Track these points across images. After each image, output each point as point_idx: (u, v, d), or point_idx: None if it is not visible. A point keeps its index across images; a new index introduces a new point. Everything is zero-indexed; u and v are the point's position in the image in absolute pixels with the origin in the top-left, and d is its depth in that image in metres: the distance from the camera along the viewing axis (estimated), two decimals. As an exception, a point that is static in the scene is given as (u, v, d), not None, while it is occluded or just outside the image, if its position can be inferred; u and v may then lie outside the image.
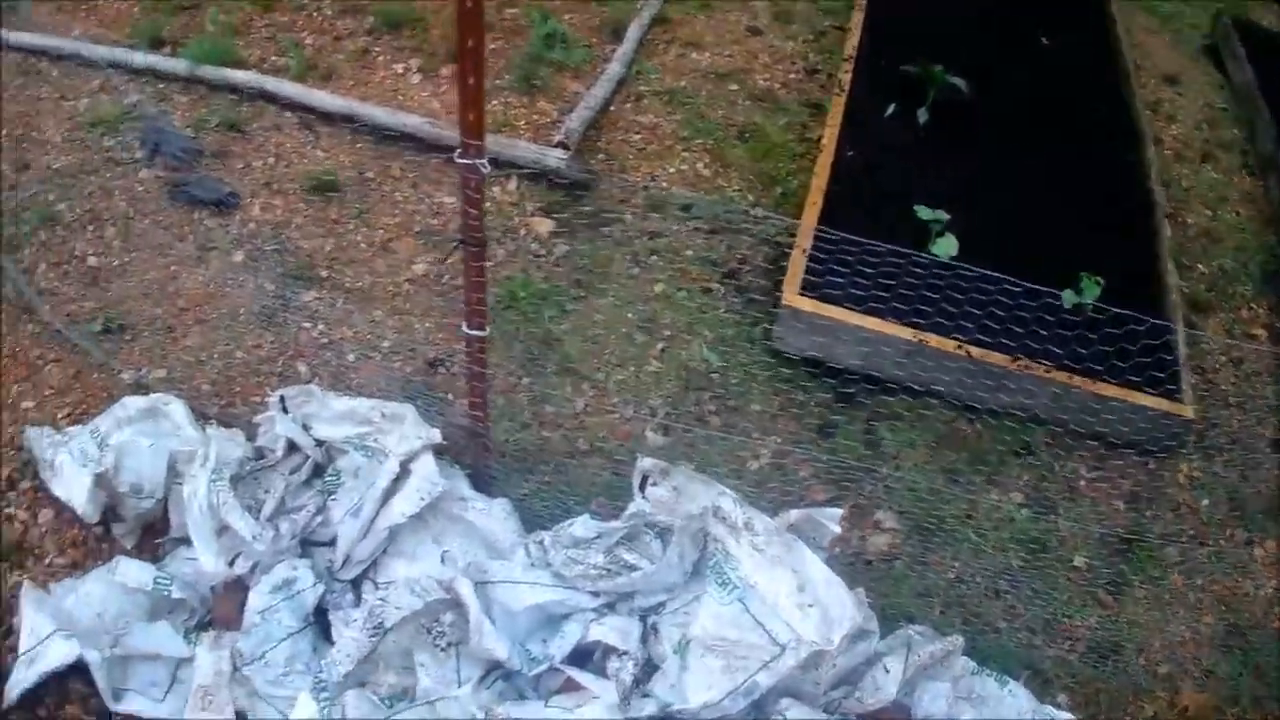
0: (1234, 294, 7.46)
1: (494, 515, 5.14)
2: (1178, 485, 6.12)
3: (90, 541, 5.30)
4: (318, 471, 5.27)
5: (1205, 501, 6.07)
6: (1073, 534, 5.75)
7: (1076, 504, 5.91)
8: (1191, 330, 6.74)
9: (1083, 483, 6.02)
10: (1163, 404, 5.94)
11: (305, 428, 5.34)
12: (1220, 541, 5.90)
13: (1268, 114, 8.66)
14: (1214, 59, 9.95)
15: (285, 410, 5.41)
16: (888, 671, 4.64)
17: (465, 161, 4.03)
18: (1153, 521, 5.90)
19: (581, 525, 4.95)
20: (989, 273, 5.31)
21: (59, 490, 5.35)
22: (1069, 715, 4.93)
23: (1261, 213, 8.21)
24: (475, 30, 3.70)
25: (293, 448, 5.26)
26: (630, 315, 6.54)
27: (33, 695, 4.60)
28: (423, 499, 4.96)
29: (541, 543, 4.94)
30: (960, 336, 5.97)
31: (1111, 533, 5.75)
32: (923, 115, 7.69)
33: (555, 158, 7.24)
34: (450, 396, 5.97)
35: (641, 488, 5.06)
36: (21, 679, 4.56)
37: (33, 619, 4.70)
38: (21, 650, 4.65)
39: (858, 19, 8.75)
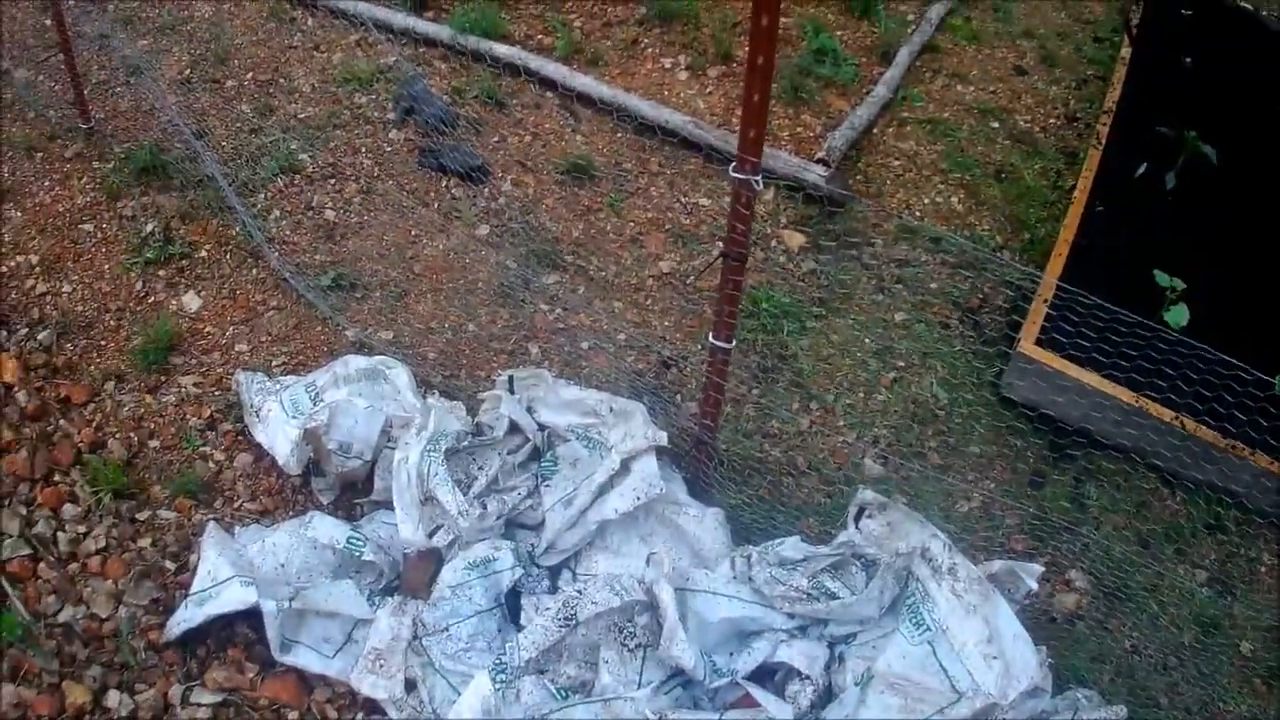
0: None
1: (706, 524, 5.08)
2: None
3: (286, 492, 5.34)
4: (535, 455, 5.24)
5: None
6: (1245, 619, 5.57)
7: (1255, 589, 5.73)
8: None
9: (1263, 569, 5.82)
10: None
11: (530, 410, 5.33)
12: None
13: None
14: None
15: (512, 390, 5.40)
16: (1051, 732, 4.55)
17: (740, 176, 3.98)
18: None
19: (791, 546, 4.88)
20: (1210, 350, 5.19)
21: (262, 437, 5.39)
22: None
23: None
24: (766, 49, 3.63)
25: (514, 429, 5.22)
26: (867, 340, 6.44)
27: (195, 634, 4.63)
28: (639, 499, 4.92)
29: (749, 557, 4.86)
30: (1176, 405, 5.85)
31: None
32: (1170, 180, 7.51)
33: (815, 173, 7.14)
34: (679, 398, 5.92)
35: (857, 519, 4.98)
36: (188, 617, 4.61)
37: (213, 561, 4.73)
38: (194, 589, 4.70)
39: (1121, 73, 8.57)
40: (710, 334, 4.64)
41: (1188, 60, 8.91)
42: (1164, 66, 8.78)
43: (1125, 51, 8.81)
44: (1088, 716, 4.61)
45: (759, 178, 3.96)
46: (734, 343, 4.66)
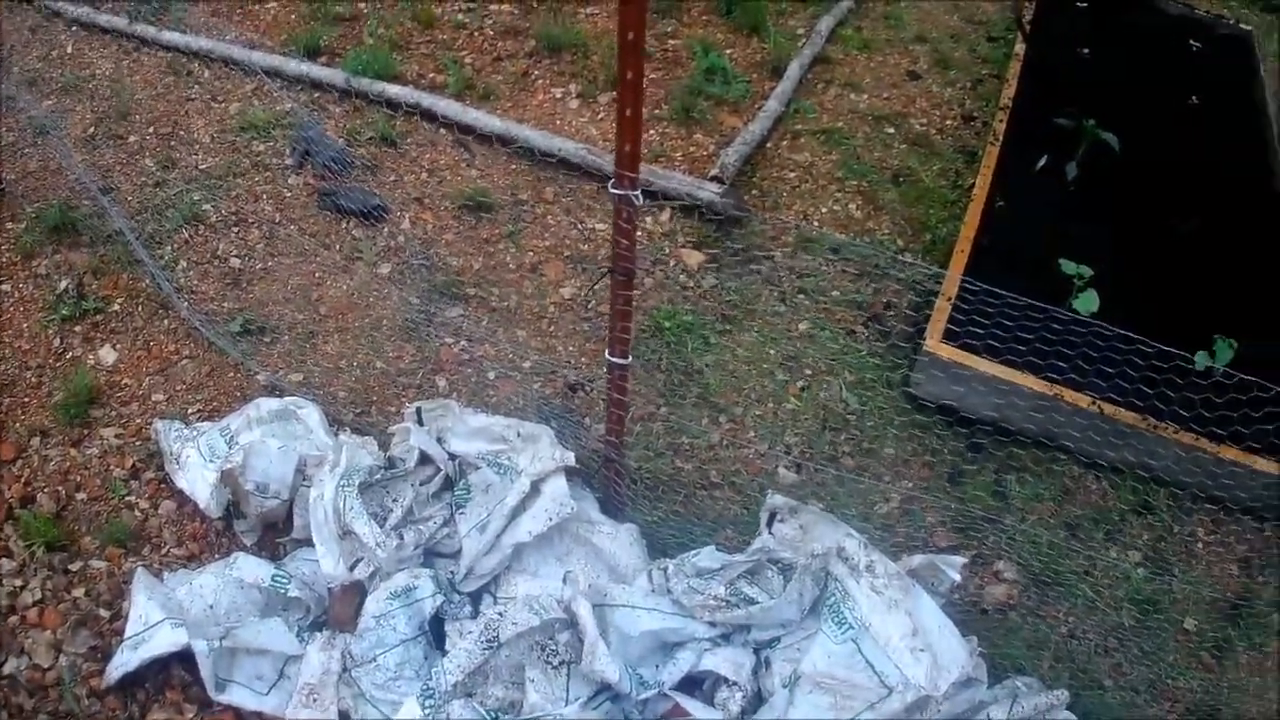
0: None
1: (620, 540, 5.14)
2: (1291, 553, 6.02)
3: (210, 535, 5.38)
4: (448, 485, 5.28)
5: (1319, 571, 5.96)
6: (1185, 596, 5.64)
7: (1192, 566, 5.80)
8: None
9: (1200, 545, 5.90)
10: (1282, 470, 5.85)
11: (439, 440, 5.38)
12: (1328, 612, 5.79)
13: None
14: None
15: (421, 422, 5.46)
16: (990, 720, 4.62)
17: (619, 192, 4.03)
18: (1263, 588, 5.78)
19: (707, 556, 4.96)
20: (1126, 333, 5.24)
21: (183, 483, 5.44)
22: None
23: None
24: (635, 63, 3.70)
25: (425, 459, 5.29)
26: (773, 352, 6.51)
27: (133, 678, 4.67)
28: (551, 519, 4.97)
29: (665, 570, 4.93)
30: (1093, 393, 5.92)
31: (1223, 597, 5.65)
32: (1072, 170, 7.60)
33: (709, 191, 7.22)
34: (587, 420, 5.96)
35: (769, 524, 5.05)
36: (124, 661, 4.64)
37: (143, 605, 4.77)
38: (127, 634, 4.73)
39: (1015, 69, 8.70)
40: (608, 351, 4.69)
41: (1085, 51, 9.05)
42: (1060, 59, 8.97)
43: (1019, 48, 8.93)
44: (1028, 702, 4.66)
45: (638, 192, 4.03)
46: (630, 359, 4.72)
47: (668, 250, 7.11)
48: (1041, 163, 7.66)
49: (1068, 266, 6.31)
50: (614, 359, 4.68)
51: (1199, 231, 7.43)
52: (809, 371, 6.44)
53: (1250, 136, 8.64)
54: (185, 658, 4.67)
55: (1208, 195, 7.76)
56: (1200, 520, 5.97)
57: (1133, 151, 7.61)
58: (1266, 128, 8.69)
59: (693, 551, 5.00)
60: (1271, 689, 5.36)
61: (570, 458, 5.12)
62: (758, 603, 4.72)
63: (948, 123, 8.64)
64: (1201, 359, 5.94)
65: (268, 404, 5.66)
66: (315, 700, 4.58)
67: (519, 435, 5.27)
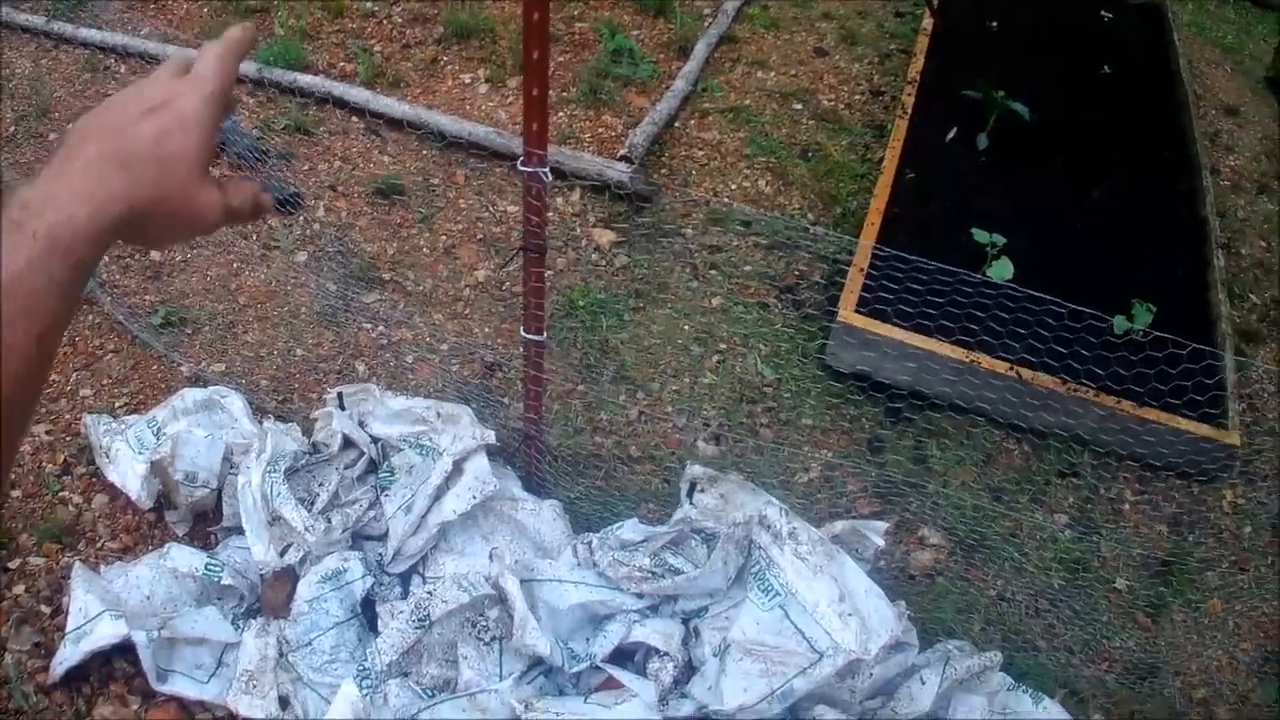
0: (1286, 326, 7.41)
1: (544, 516, 5.20)
2: (1220, 511, 6.08)
3: (143, 528, 5.40)
4: (372, 468, 5.34)
5: (1248, 528, 6.03)
6: (1115, 556, 5.73)
7: (1120, 526, 5.90)
8: (1240, 358, 6.71)
9: (1127, 506, 6.00)
10: (1206, 430, 5.93)
11: (361, 424, 5.43)
12: (1261, 568, 5.86)
13: (1330, 146, 8.62)
14: (1275, 91, 9.90)
15: (343, 407, 5.51)
16: (924, 684, 4.65)
17: (528, 169, 4.09)
18: (1194, 546, 5.89)
19: (630, 528, 4.99)
20: (1041, 294, 5.30)
21: (114, 477, 5.46)
22: (1102, 734, 4.93)
23: (1318, 246, 8.15)
24: (540, 43, 3.77)
25: (348, 444, 5.33)
26: (687, 327, 6.58)
27: (78, 672, 4.70)
28: (474, 497, 5.01)
29: (589, 544, 4.97)
30: (1009, 357, 6.00)
31: (1153, 556, 5.74)
32: (983, 140, 7.69)
33: (618, 171, 7.27)
34: (507, 400, 6.02)
35: (690, 494, 5.10)
36: (67, 656, 4.66)
37: (82, 599, 4.79)
38: (69, 629, 4.75)
39: (923, 43, 8.78)
40: (522, 329, 4.76)
41: (993, 24, 9.14)
42: (969, 32, 9.08)
43: (927, 22, 9.04)
44: (961, 665, 4.73)
45: (547, 169, 4.11)
46: (545, 335, 4.80)
47: (579, 230, 7.18)
48: (951, 134, 7.76)
49: (980, 235, 6.41)
50: (529, 336, 4.76)
51: (1113, 198, 7.54)
52: (724, 345, 6.53)
53: (1164, 104, 8.78)
54: (127, 650, 4.70)
55: (1121, 163, 7.88)
56: (1126, 481, 6.09)
57: (1045, 121, 7.72)
58: (1180, 92, 8.80)
59: (616, 525, 5.05)
60: (1210, 645, 5.47)
61: (491, 436, 5.18)
62: (683, 573, 4.77)
63: (856, 98, 8.73)
64: (1120, 323, 6.04)
65: (192, 394, 5.70)
66: (255, 686, 4.62)
67: (439, 416, 5.33)
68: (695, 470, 5.13)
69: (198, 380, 6.06)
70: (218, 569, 4.98)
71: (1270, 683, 5.41)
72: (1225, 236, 7.79)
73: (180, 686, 4.69)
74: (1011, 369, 5.96)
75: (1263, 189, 8.59)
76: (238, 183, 1.52)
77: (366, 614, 4.91)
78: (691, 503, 5.07)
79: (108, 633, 4.63)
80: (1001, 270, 6.22)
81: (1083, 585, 5.56)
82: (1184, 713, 5.24)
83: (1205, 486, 6.14)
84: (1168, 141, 8.33)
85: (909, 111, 7.92)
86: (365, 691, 4.46)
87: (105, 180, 1.30)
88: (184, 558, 5.02)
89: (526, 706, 4.35)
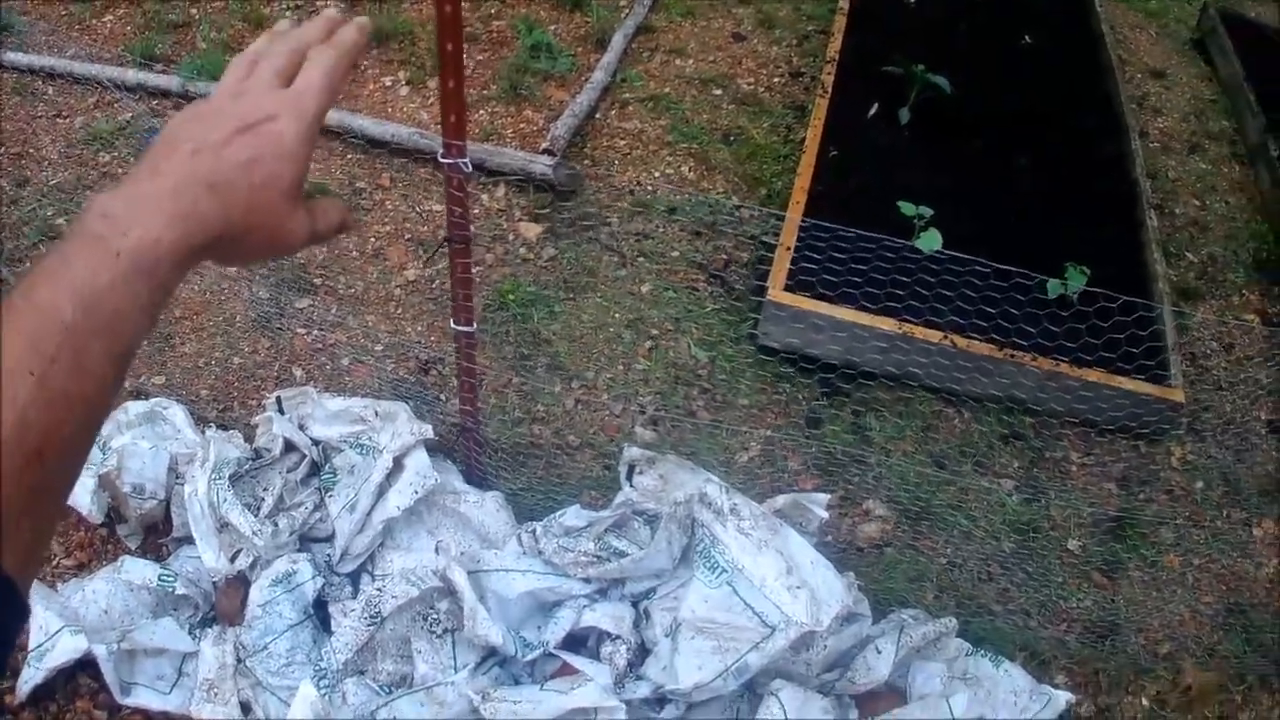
0: (1224, 281, 7.48)
1: (487, 508, 5.24)
2: (1170, 468, 6.16)
3: (96, 543, 5.42)
4: (315, 470, 5.38)
5: (1199, 483, 6.10)
6: (1065, 517, 5.79)
7: (1068, 488, 5.95)
8: (1179, 313, 6.78)
9: (1074, 467, 6.06)
10: (1150, 388, 5.99)
11: (301, 427, 5.47)
12: (1217, 522, 5.93)
13: (1255, 104, 8.72)
14: (1201, 52, 10.03)
15: (282, 411, 5.54)
16: (880, 653, 4.70)
17: (448, 161, 4.16)
18: (1145, 504, 5.95)
19: (572, 515, 5.07)
20: (971, 258, 5.36)
21: (64, 494, 5.47)
22: (1067, 694, 4.93)
23: (1251, 201, 8.24)
24: (454, 35, 3.82)
25: (290, 447, 5.38)
26: (618, 315, 6.64)
27: (44, 690, 4.72)
28: (416, 492, 5.06)
29: (533, 532, 5.02)
30: (943, 326, 6.05)
31: (1104, 515, 5.79)
32: (905, 115, 7.76)
33: (541, 164, 7.32)
34: (443, 396, 6.07)
35: (629, 477, 5.17)
36: (32, 675, 4.68)
37: (41, 616, 4.81)
38: (31, 647, 4.76)
39: (840, 22, 8.83)
40: (452, 322, 4.80)
41: (911, 2, 9.17)
42: (886, 9, 9.17)
43: (844, 2, 9.12)
44: (916, 632, 4.80)
45: (467, 159, 4.17)
46: (475, 326, 4.83)
47: (506, 225, 7.23)
48: (873, 110, 7.83)
49: (906, 208, 6.43)
50: (459, 327, 4.80)
51: (1041, 167, 7.61)
52: (655, 331, 6.59)
53: (1089, 70, 8.87)
54: (89, 665, 4.74)
55: (1048, 131, 7.96)
56: (1072, 442, 6.17)
57: (967, 93, 7.79)
58: (1104, 57, 8.88)
59: (559, 512, 5.12)
60: (1171, 601, 5.55)
61: (428, 430, 5.23)
62: (628, 555, 4.82)
63: (775, 80, 8.79)
64: (1054, 287, 6.09)
65: (135, 407, 5.72)
66: (216, 694, 4.67)
67: (377, 414, 5.38)
68: (633, 452, 5.21)
69: (138, 394, 6.06)
70: (171, 579, 5.02)
71: (1236, 634, 5.49)
72: (1158, 198, 7.90)
73: (144, 699, 4.73)
74: (945, 338, 6.01)
75: (1194, 148, 8.70)
76: (325, 205, 1.53)
77: (319, 615, 4.96)
78: (631, 485, 5.14)
79: (69, 647, 4.67)
80: (930, 241, 6.22)
81: (1034, 548, 5.63)
82: (1150, 668, 5.30)
83: (1153, 443, 6.24)
84: (1094, 107, 8.42)
85: (829, 90, 7.98)
86: (323, 691, 4.53)
87: (196, 204, 1.30)
88: (138, 570, 5.06)
89: (484, 697, 4.40)
